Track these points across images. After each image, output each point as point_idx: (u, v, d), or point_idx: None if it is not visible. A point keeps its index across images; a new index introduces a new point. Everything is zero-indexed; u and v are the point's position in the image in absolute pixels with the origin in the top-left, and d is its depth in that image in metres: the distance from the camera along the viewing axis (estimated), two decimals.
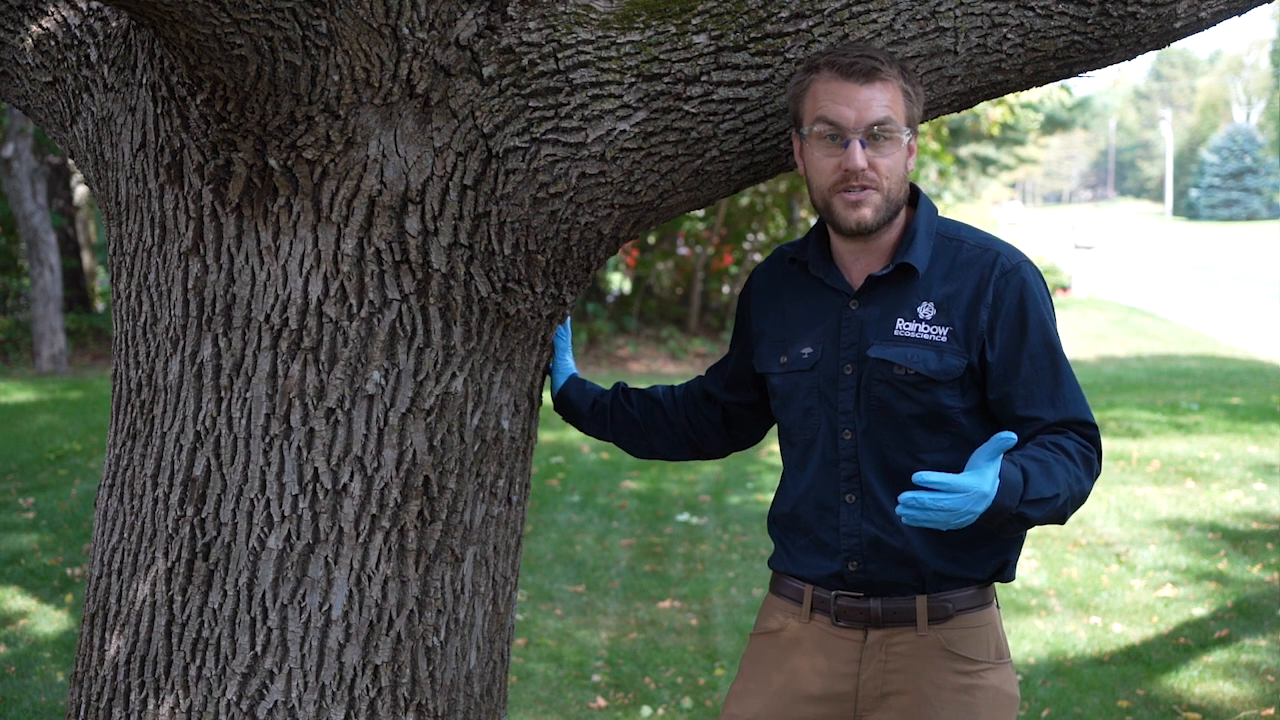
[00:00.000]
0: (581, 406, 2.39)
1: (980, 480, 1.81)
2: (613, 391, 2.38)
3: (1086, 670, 4.59)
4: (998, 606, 2.14)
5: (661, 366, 14.83)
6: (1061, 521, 1.98)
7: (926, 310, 2.02)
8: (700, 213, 15.30)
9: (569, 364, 2.42)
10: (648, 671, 4.64)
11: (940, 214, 2.13)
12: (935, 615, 2.05)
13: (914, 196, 2.10)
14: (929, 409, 2.01)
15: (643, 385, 2.42)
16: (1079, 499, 1.97)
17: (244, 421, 1.99)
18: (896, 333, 2.02)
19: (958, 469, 1.99)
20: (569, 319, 2.37)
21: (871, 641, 2.08)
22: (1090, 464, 1.99)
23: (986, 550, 2.06)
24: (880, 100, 1.95)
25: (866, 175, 1.96)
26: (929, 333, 2.01)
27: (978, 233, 2.10)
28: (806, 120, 1.98)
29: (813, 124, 1.97)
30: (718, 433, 2.34)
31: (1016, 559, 2.12)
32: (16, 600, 5.28)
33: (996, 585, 2.14)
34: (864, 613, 2.07)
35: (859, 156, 1.95)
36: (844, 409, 2.06)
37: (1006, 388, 2.01)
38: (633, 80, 2.00)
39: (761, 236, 16.43)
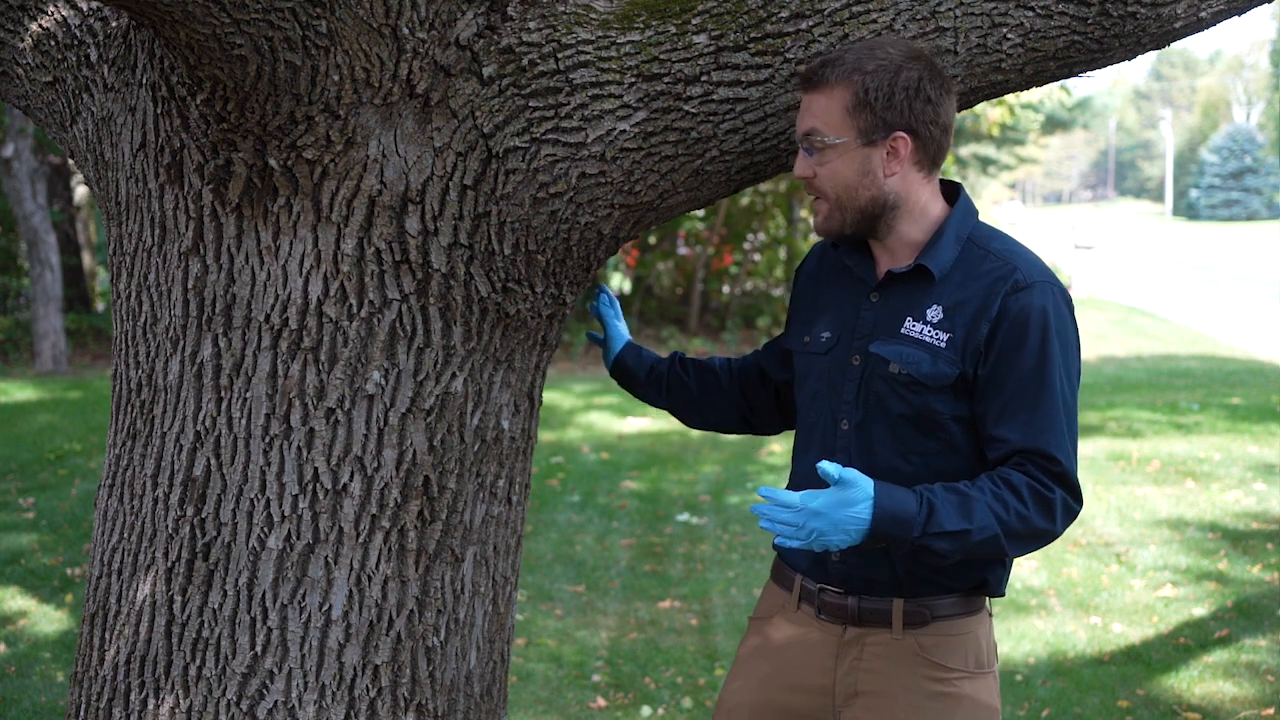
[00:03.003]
0: (638, 373, 2.41)
1: (810, 497, 1.85)
2: (669, 360, 2.41)
3: (1086, 670, 4.59)
4: (990, 615, 2.11)
5: None
6: (1001, 556, 1.93)
7: (935, 313, 2.00)
8: (700, 213, 15.30)
9: (622, 331, 2.46)
10: (648, 671, 4.64)
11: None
12: (911, 620, 2.03)
13: (955, 196, 2.07)
14: (919, 411, 1.99)
15: None
16: (1024, 535, 1.90)
17: (244, 421, 1.99)
18: (903, 331, 2.01)
19: (944, 474, 1.97)
20: (614, 299, 2.45)
21: (848, 638, 2.07)
22: (1045, 502, 1.90)
23: (958, 562, 2.00)
24: (814, 109, 1.95)
25: (811, 185, 2.00)
26: (931, 336, 1.99)
27: (1010, 244, 2.03)
28: None
29: None
30: (769, 410, 2.36)
31: (1002, 577, 2.07)
32: (16, 600, 5.28)
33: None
34: (843, 609, 2.07)
35: (799, 164, 1.99)
36: (845, 399, 2.06)
37: (987, 403, 1.97)
38: (633, 80, 2.00)
39: (761, 236, 16.43)
